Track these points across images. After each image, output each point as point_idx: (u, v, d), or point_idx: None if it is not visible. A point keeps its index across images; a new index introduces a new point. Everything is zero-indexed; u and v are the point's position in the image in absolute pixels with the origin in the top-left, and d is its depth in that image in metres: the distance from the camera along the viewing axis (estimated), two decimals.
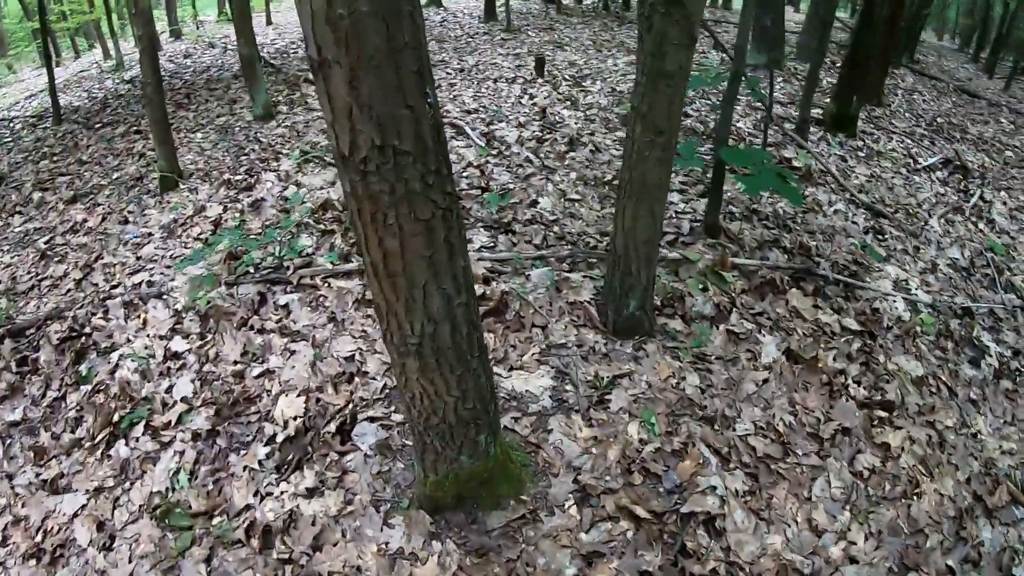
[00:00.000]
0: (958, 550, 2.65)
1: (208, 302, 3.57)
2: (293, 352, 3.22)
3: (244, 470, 2.66)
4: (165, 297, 3.74)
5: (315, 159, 5.59)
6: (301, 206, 4.59)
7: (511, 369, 3.06)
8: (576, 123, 6.42)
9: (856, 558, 2.47)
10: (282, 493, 2.53)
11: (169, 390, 3.11)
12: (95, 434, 2.95)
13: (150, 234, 4.77)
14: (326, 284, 3.67)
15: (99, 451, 2.88)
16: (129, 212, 5.38)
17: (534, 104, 7.11)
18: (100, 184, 6.39)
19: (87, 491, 2.71)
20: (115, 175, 6.54)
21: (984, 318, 4.17)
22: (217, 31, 16.89)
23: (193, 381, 3.14)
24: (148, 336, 3.47)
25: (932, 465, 2.94)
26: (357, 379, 3.04)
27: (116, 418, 2.98)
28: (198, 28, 18.29)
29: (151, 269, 4.17)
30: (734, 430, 2.85)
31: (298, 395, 2.94)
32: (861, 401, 3.15)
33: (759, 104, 6.84)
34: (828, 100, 7.38)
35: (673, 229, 4.25)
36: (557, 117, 6.62)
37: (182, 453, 2.78)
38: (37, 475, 2.87)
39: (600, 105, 7.14)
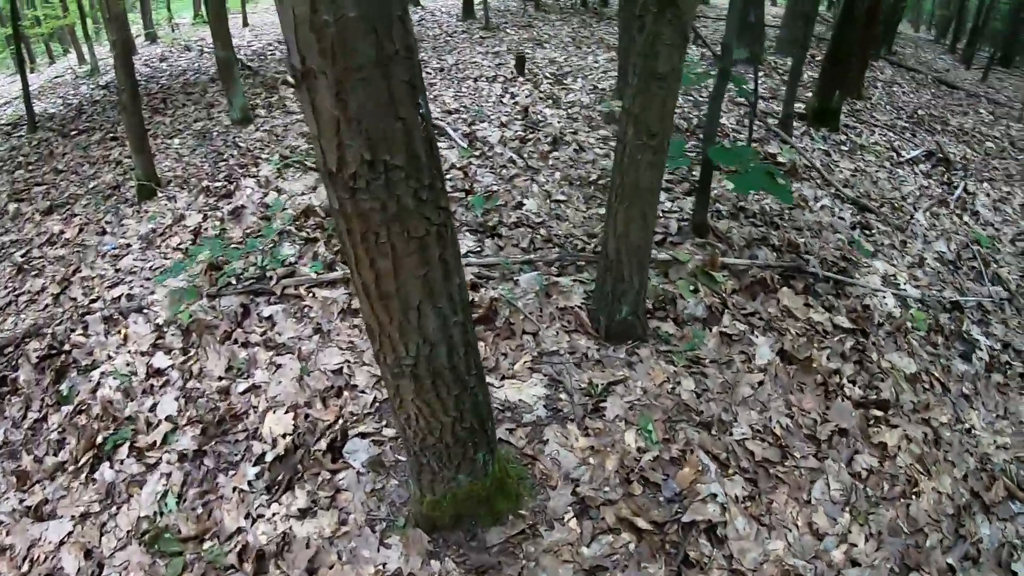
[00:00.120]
0: (958, 548, 2.65)
1: (190, 316, 3.47)
2: (279, 366, 3.14)
3: (234, 491, 2.58)
4: (145, 311, 3.64)
5: (295, 163, 5.48)
6: (283, 213, 4.49)
7: (503, 378, 3.00)
8: (559, 122, 6.37)
9: (858, 560, 2.46)
10: (274, 515, 2.46)
11: (153, 409, 3.02)
12: (78, 457, 2.86)
13: (128, 245, 4.64)
14: (310, 294, 3.58)
15: (83, 474, 2.79)
16: (107, 223, 5.24)
17: (516, 103, 7.05)
18: (77, 194, 6.23)
19: (72, 517, 2.62)
20: (92, 184, 6.38)
21: (973, 311, 4.18)
22: (193, 34, 16.59)
23: (177, 399, 3.05)
24: (129, 352, 3.37)
25: (929, 463, 2.94)
26: (346, 393, 2.97)
27: (99, 439, 2.88)
28: (173, 31, 17.95)
29: (130, 282, 4.06)
30: (731, 435, 2.82)
31: (286, 411, 2.86)
32: (857, 401, 3.13)
33: (742, 100, 6.83)
34: (810, 94, 7.40)
35: (661, 229, 4.21)
36: (539, 116, 6.56)
37: (169, 475, 2.70)
38: (21, 501, 2.76)
39: (582, 103, 7.09)
